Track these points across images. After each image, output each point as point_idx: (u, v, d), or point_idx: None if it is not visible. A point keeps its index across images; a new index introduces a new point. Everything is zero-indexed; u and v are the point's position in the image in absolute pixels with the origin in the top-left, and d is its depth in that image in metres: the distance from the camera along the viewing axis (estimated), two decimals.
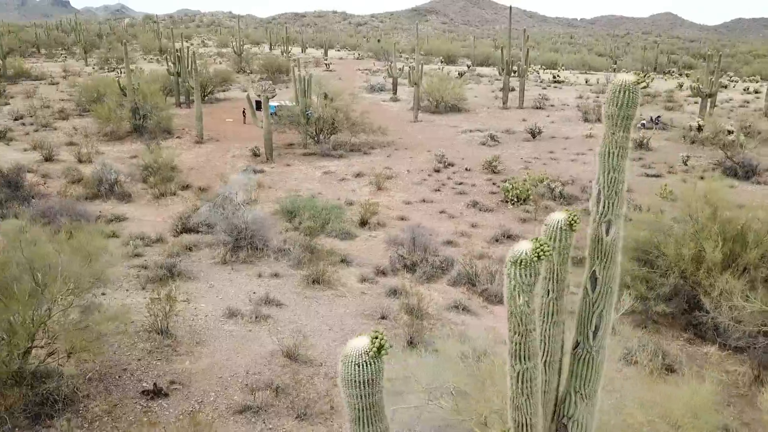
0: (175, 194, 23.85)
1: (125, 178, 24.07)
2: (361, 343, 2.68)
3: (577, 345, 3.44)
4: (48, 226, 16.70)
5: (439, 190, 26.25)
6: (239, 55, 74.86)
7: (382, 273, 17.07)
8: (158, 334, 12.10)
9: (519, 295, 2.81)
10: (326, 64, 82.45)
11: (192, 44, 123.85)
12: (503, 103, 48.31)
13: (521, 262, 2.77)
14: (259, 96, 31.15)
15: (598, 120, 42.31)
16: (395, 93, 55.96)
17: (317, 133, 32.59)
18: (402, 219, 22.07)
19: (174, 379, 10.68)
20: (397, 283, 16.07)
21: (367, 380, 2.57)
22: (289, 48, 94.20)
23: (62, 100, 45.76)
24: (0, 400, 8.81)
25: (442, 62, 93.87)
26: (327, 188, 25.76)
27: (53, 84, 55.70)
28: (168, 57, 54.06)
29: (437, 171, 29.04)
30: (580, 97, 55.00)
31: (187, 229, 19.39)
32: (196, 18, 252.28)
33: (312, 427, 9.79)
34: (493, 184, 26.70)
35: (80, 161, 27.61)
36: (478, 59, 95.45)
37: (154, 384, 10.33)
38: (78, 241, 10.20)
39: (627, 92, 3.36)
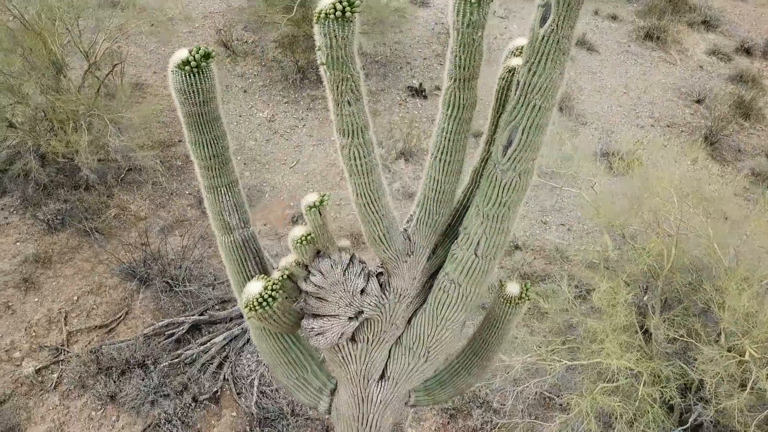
0: None
1: None
2: (181, 54, 2.60)
3: (488, 157, 2.70)
4: None
5: None
6: None
7: (745, 52, 13.55)
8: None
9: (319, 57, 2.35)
10: None
11: None
12: None
13: (318, 17, 2.23)
14: None
15: None
16: None
17: None
18: None
19: (440, 85, 11.32)
20: (751, 68, 12.80)
21: (178, 89, 2.59)
22: None
23: None
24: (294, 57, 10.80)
25: None
26: None
27: None
28: None
29: None
30: None
31: None
32: None
33: None
34: None
35: None
36: None
37: (420, 84, 11.17)
38: None
39: None
